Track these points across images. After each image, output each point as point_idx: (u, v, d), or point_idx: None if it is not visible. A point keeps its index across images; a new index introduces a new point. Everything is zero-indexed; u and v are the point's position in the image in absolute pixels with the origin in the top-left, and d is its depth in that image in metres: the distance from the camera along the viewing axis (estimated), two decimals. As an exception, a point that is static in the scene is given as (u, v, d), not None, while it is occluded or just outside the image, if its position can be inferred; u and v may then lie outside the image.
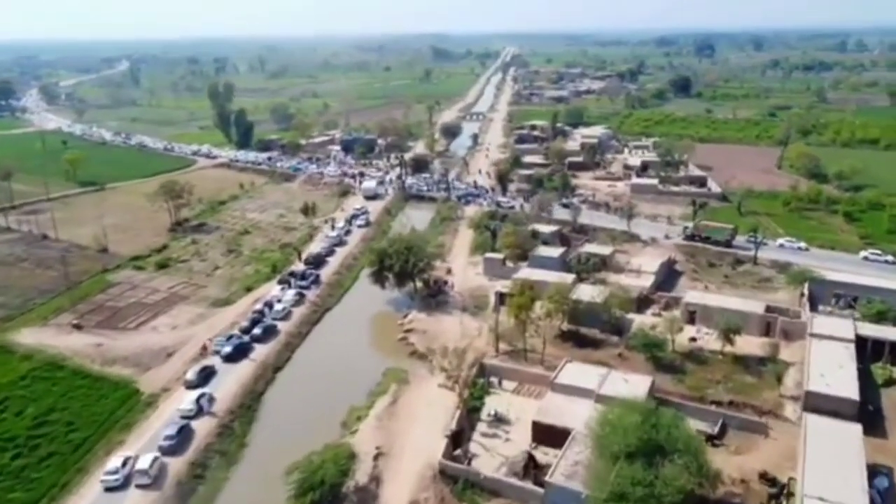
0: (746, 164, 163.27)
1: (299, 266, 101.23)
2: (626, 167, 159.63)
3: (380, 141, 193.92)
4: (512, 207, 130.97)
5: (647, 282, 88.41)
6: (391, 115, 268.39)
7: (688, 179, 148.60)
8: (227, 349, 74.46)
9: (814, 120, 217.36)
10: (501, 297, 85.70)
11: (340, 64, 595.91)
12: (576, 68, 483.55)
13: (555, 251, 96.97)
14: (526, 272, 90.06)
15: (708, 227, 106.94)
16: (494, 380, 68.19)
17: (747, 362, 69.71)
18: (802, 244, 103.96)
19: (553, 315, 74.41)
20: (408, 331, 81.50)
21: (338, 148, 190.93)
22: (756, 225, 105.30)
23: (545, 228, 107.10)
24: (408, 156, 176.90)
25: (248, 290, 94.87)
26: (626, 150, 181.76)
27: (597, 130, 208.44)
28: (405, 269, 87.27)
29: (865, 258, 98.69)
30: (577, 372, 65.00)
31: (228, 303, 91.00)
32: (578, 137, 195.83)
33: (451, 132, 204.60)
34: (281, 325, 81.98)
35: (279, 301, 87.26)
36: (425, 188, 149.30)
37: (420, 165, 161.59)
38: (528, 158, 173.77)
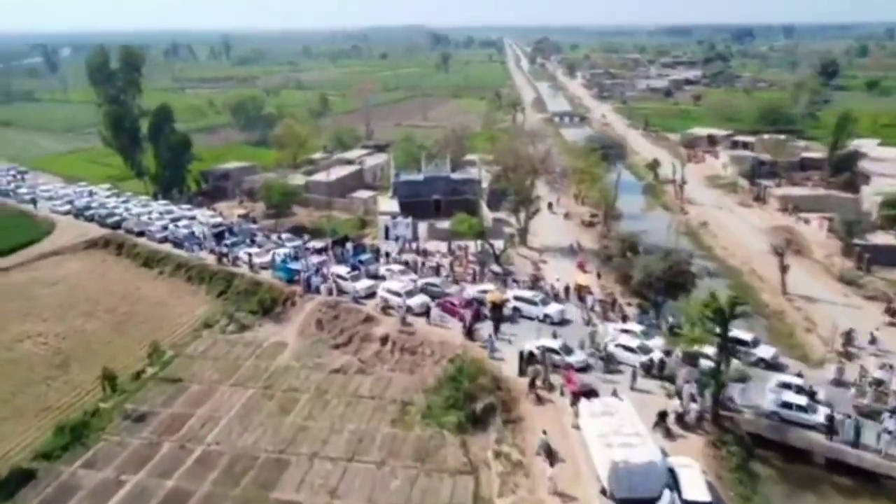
0: None
1: None
2: None
3: (483, 182, 79.95)
4: None
5: None
6: (423, 115, 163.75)
7: None
8: None
9: None
10: None
11: (326, 51, 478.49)
12: (627, 54, 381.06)
13: None
14: None
15: None
16: None
17: None
18: None
19: None
20: None
21: (393, 211, 72.31)
22: None
23: None
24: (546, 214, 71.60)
25: None
26: None
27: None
28: None
29: None
30: None
31: None
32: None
33: (611, 153, 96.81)
34: None
35: None
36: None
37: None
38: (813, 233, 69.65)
